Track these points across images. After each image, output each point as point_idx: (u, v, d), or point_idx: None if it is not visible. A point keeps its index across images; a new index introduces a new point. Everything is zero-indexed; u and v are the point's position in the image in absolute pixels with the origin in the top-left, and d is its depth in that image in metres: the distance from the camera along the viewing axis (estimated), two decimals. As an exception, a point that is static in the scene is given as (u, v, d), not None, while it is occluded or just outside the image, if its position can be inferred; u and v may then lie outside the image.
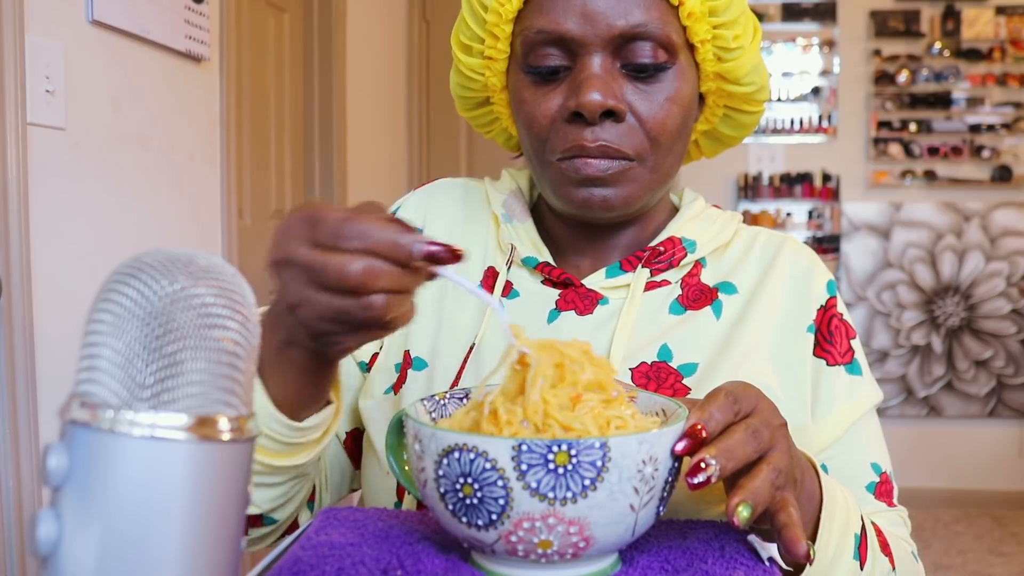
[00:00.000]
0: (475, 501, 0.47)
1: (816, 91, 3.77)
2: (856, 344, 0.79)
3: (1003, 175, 3.68)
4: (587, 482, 0.46)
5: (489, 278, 0.80)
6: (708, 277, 0.79)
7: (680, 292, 0.78)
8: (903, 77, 3.69)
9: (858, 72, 3.76)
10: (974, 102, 3.69)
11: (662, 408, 0.56)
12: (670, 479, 0.50)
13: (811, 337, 0.77)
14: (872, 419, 0.78)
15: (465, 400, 0.60)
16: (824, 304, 0.78)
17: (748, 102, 0.79)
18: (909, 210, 3.72)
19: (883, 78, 3.71)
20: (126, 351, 0.36)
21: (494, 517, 0.47)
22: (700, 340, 0.75)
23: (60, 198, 1.52)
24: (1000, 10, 3.68)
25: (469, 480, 0.47)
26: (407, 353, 0.79)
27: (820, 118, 3.78)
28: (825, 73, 3.76)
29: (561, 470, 0.46)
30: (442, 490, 0.48)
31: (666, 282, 0.78)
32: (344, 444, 0.82)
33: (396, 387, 0.78)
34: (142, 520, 0.35)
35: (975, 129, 3.70)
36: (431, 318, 0.80)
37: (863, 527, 0.63)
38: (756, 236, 0.83)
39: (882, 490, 0.76)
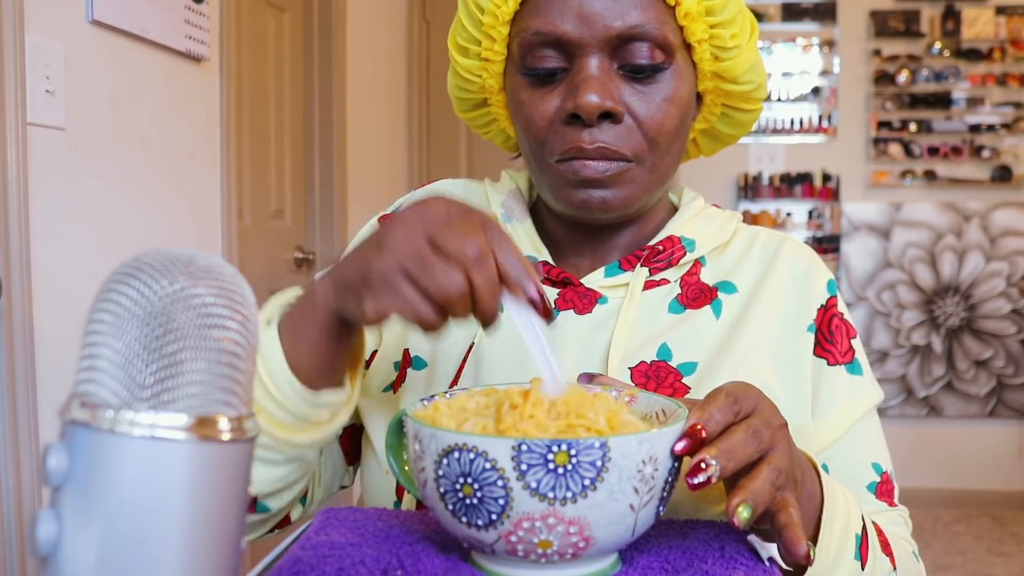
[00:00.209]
0: (475, 501, 0.47)
1: (816, 91, 3.77)
2: (857, 344, 0.79)
3: (1003, 175, 3.68)
4: (587, 482, 0.46)
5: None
6: (708, 276, 0.79)
7: (679, 291, 0.78)
8: (903, 77, 3.69)
9: (858, 72, 3.76)
10: (974, 102, 3.69)
11: (662, 408, 0.56)
12: (670, 479, 0.50)
13: (811, 337, 0.77)
14: (873, 419, 0.78)
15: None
16: (824, 304, 0.78)
17: (746, 100, 0.79)
18: (909, 210, 3.72)
19: (883, 78, 3.71)
20: (126, 351, 0.36)
21: (494, 517, 0.47)
22: (700, 339, 0.75)
23: (60, 198, 1.52)
24: (1000, 10, 3.68)
25: (469, 480, 0.47)
26: (406, 352, 0.79)
27: (820, 118, 3.78)
28: (825, 73, 3.76)
29: (561, 470, 0.46)
30: (442, 490, 0.48)
31: (665, 281, 0.78)
32: (340, 439, 0.82)
33: (395, 386, 0.78)
34: (142, 520, 0.35)
35: (975, 129, 3.70)
36: (431, 318, 0.80)
37: (864, 527, 0.63)
38: (756, 236, 0.83)
39: (883, 490, 0.76)
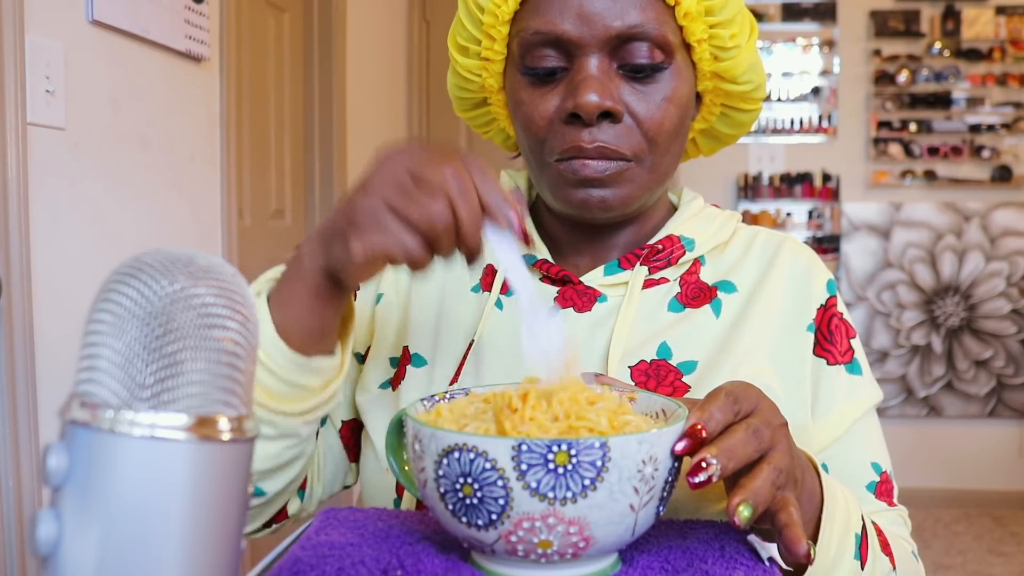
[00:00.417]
0: (475, 501, 0.47)
1: (816, 91, 3.77)
2: (856, 343, 0.79)
3: (1003, 175, 3.68)
4: (587, 482, 0.46)
5: (488, 276, 0.81)
6: (707, 275, 0.79)
7: (679, 290, 0.78)
8: (903, 77, 3.69)
9: (858, 72, 3.76)
10: (974, 102, 3.69)
11: (662, 408, 0.56)
12: (670, 479, 0.50)
13: (811, 336, 0.77)
14: (872, 418, 0.78)
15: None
16: (824, 303, 0.78)
17: (745, 100, 0.79)
18: (909, 210, 3.72)
19: (883, 78, 3.71)
20: (126, 351, 0.36)
21: (494, 517, 0.47)
22: (699, 338, 0.75)
23: (60, 198, 1.52)
24: (1000, 10, 3.68)
25: (469, 480, 0.47)
26: (406, 349, 0.79)
27: (820, 118, 3.78)
28: (825, 73, 3.76)
29: (561, 470, 0.46)
30: (442, 490, 0.48)
31: (664, 280, 0.78)
32: (340, 433, 0.82)
33: (394, 383, 0.78)
34: (142, 520, 0.35)
35: (975, 129, 3.70)
36: (431, 315, 0.80)
37: (864, 527, 0.63)
38: (755, 235, 0.83)
39: (882, 489, 0.76)
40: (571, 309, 0.76)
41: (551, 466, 0.46)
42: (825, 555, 0.58)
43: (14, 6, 1.37)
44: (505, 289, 0.79)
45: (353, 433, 0.82)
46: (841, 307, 0.80)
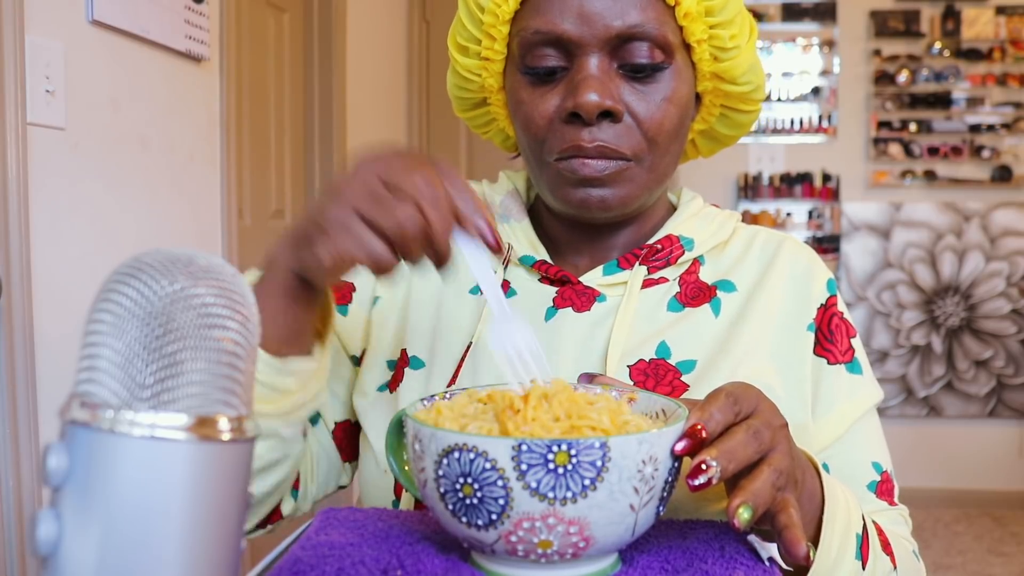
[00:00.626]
0: (475, 501, 0.47)
1: (816, 91, 3.77)
2: (856, 343, 0.79)
3: (1003, 175, 3.68)
4: (587, 482, 0.46)
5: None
6: (707, 275, 0.79)
7: (678, 289, 0.78)
8: (903, 77, 3.69)
9: (858, 72, 3.76)
10: (974, 102, 3.69)
11: (662, 408, 0.56)
12: (670, 479, 0.50)
13: (811, 336, 0.77)
14: (873, 418, 0.78)
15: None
16: (824, 303, 0.78)
17: (745, 101, 0.79)
18: (909, 210, 3.72)
19: (883, 78, 3.71)
20: (126, 351, 0.36)
21: (494, 517, 0.47)
22: (699, 337, 0.75)
23: (60, 198, 1.52)
24: (1000, 10, 3.68)
25: (469, 480, 0.47)
26: (404, 352, 0.79)
27: (820, 118, 3.78)
28: (825, 73, 3.76)
29: (561, 470, 0.46)
30: (442, 490, 0.48)
31: (664, 279, 0.78)
32: (333, 434, 0.81)
33: (392, 385, 0.78)
34: (142, 520, 0.35)
35: (975, 129, 3.70)
36: (429, 317, 0.80)
37: (864, 527, 0.63)
38: (755, 235, 0.83)
39: (883, 489, 0.76)
40: (570, 309, 0.76)
41: (551, 466, 0.46)
42: (826, 555, 0.58)
43: (14, 6, 1.37)
44: (504, 290, 0.79)
45: (347, 434, 0.82)
46: (841, 306, 0.80)
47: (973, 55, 3.68)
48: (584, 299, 0.76)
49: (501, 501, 0.46)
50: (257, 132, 2.42)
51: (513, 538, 0.47)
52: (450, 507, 0.49)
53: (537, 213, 0.84)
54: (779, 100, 3.77)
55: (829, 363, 0.77)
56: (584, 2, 0.69)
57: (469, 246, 0.57)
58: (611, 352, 0.72)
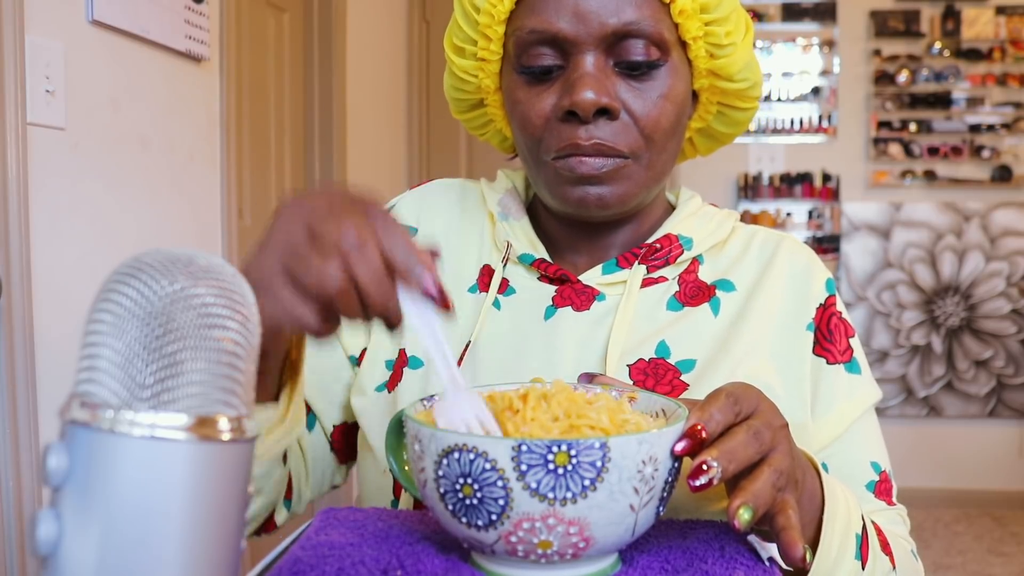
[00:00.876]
0: (475, 501, 0.47)
1: (816, 91, 3.77)
2: (855, 343, 0.79)
3: (1003, 175, 3.68)
4: (587, 482, 0.46)
5: (485, 276, 0.81)
6: (706, 274, 0.79)
7: (677, 288, 0.78)
8: (903, 77, 3.69)
9: (858, 72, 3.76)
10: (974, 102, 3.69)
11: (662, 408, 0.56)
12: (670, 479, 0.50)
13: (810, 335, 0.77)
14: (871, 418, 0.78)
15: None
16: (823, 302, 0.79)
17: (741, 99, 0.79)
18: (909, 210, 3.72)
19: (883, 78, 3.71)
20: (126, 351, 0.36)
21: (494, 517, 0.47)
22: (698, 337, 0.75)
23: (60, 198, 1.52)
24: (1000, 10, 3.68)
25: (469, 480, 0.47)
26: (403, 351, 0.79)
27: (820, 118, 3.78)
28: (825, 73, 3.76)
29: (561, 470, 0.46)
30: (442, 490, 0.48)
31: (663, 279, 0.78)
32: (331, 437, 0.81)
33: (390, 385, 0.78)
34: (142, 520, 0.35)
35: (975, 129, 3.70)
36: (428, 317, 0.79)
37: (864, 527, 0.63)
38: (754, 234, 0.83)
39: (882, 489, 0.76)
40: (569, 308, 0.76)
41: (551, 466, 0.46)
42: (826, 556, 0.58)
43: (14, 6, 1.37)
44: (503, 289, 0.79)
45: (345, 437, 0.82)
46: (840, 306, 0.80)
47: (973, 55, 3.68)
48: (583, 298, 0.76)
49: (501, 501, 0.46)
50: (257, 132, 2.42)
51: (513, 538, 0.47)
52: (450, 507, 0.49)
53: (536, 212, 0.84)
54: (779, 100, 3.77)
55: (828, 363, 0.77)
56: (579, 0, 0.69)
57: (412, 304, 0.50)
58: (611, 351, 0.72)
